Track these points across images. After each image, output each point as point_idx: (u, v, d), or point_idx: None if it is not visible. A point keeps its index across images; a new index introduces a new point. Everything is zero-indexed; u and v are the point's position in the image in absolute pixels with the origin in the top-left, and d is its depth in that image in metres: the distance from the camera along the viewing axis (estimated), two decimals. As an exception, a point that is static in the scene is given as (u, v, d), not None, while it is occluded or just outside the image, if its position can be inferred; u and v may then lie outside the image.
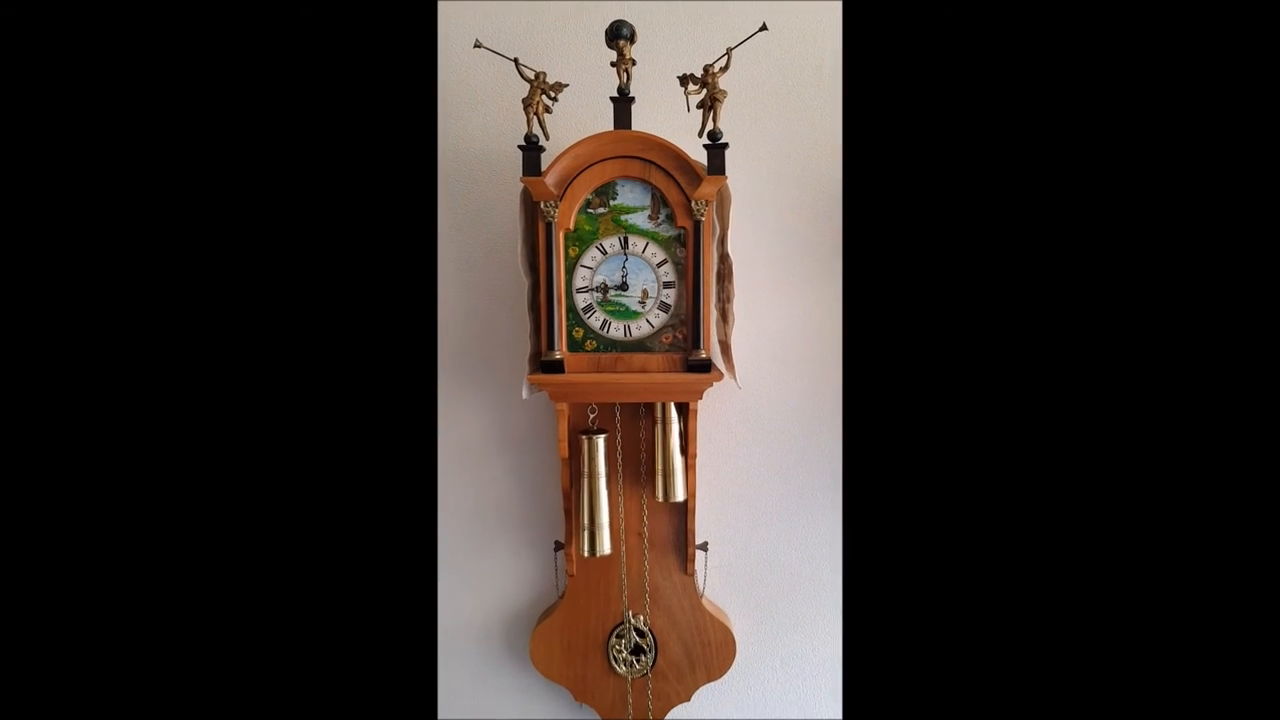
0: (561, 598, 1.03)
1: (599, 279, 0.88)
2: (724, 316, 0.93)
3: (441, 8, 0.98)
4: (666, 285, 0.88)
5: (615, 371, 0.88)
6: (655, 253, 0.87)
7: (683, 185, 0.84)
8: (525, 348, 0.94)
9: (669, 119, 0.90)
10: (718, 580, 1.06)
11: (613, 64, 0.86)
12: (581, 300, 0.88)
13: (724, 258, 0.91)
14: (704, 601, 1.03)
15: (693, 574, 1.01)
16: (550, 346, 0.87)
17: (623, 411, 0.98)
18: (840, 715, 1.08)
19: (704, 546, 1.02)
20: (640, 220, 0.87)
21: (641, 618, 1.02)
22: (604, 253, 0.88)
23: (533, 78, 0.85)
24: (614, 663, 1.02)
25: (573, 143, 0.84)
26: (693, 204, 0.85)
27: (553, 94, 0.87)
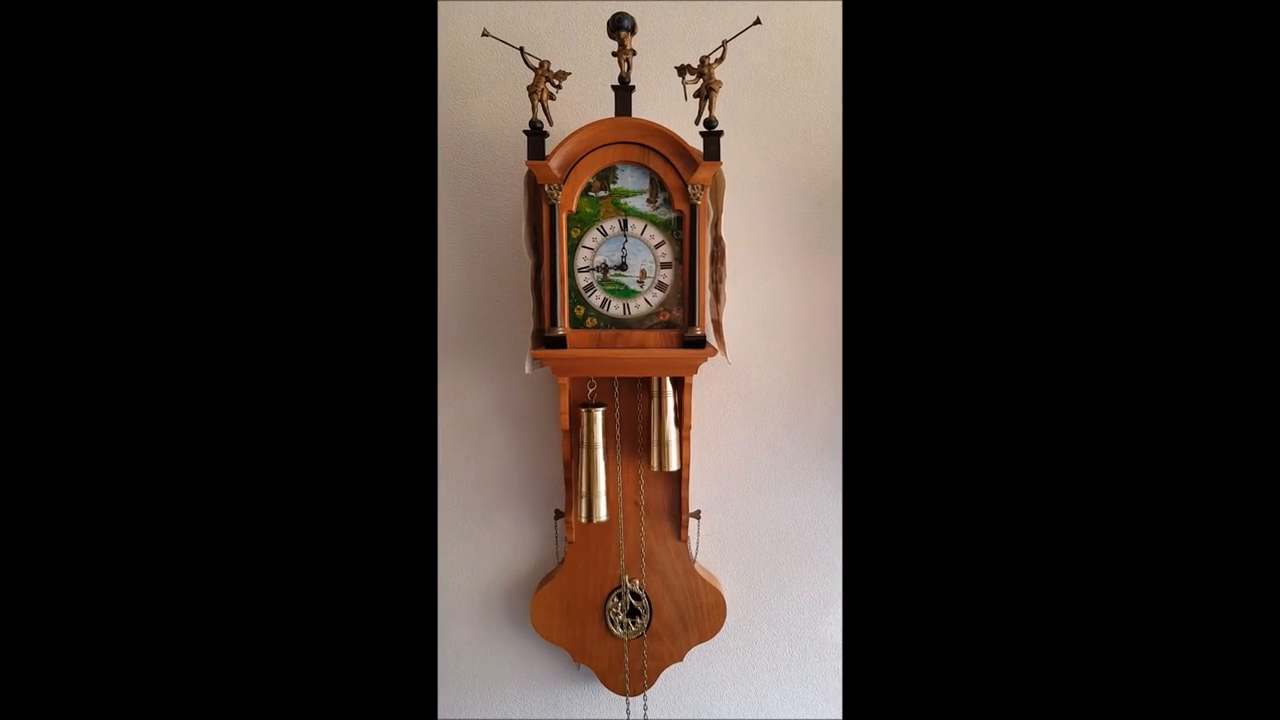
0: (561, 563, 1.08)
1: (600, 259, 0.93)
2: (716, 296, 0.98)
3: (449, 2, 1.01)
4: (664, 266, 0.93)
5: (615, 347, 0.93)
6: (653, 235, 0.92)
7: (680, 170, 0.89)
8: (526, 326, 0.98)
9: (667, 107, 0.94)
10: (709, 546, 1.12)
11: (614, 54, 0.90)
12: (583, 279, 0.93)
13: (717, 240, 0.96)
14: (696, 566, 1.08)
15: (686, 540, 1.07)
16: (553, 323, 0.92)
17: (621, 386, 1.03)
18: (825, 669, 1.15)
19: (697, 514, 1.08)
20: (639, 203, 0.91)
21: (637, 582, 1.07)
22: (604, 234, 0.92)
23: (537, 66, 0.89)
24: (611, 625, 1.07)
25: (576, 129, 0.88)
26: (689, 188, 0.89)
27: (556, 82, 0.91)
